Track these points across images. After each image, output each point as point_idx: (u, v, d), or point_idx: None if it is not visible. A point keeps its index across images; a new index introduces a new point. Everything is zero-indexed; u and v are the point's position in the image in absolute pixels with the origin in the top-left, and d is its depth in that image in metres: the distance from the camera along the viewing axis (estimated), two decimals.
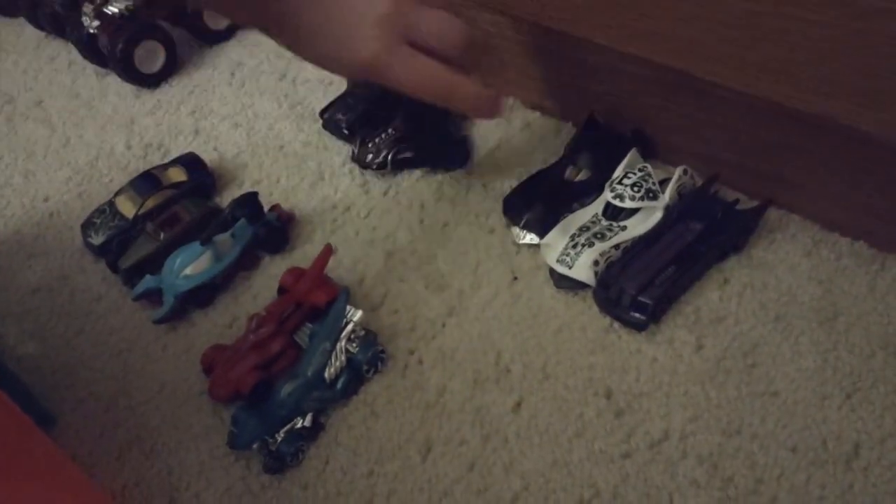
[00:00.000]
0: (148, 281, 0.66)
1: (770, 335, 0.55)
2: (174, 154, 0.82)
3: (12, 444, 0.46)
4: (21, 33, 1.11)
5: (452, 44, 0.52)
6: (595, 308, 0.60)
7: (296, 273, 0.64)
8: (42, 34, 1.09)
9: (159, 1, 0.92)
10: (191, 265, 0.65)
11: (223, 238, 0.66)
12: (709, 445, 0.51)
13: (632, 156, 0.65)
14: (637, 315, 0.57)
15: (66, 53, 1.04)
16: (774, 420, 0.51)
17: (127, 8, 0.90)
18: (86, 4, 0.91)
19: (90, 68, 1.00)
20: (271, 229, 0.68)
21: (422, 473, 0.53)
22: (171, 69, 0.94)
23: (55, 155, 0.88)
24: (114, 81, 0.97)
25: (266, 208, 0.71)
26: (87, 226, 0.74)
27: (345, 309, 0.59)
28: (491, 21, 0.72)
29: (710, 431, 0.52)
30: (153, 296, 0.66)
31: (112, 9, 0.90)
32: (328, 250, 0.64)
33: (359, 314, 0.59)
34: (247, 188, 0.77)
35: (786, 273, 0.58)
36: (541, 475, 0.52)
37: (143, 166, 0.81)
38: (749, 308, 0.57)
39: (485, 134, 0.76)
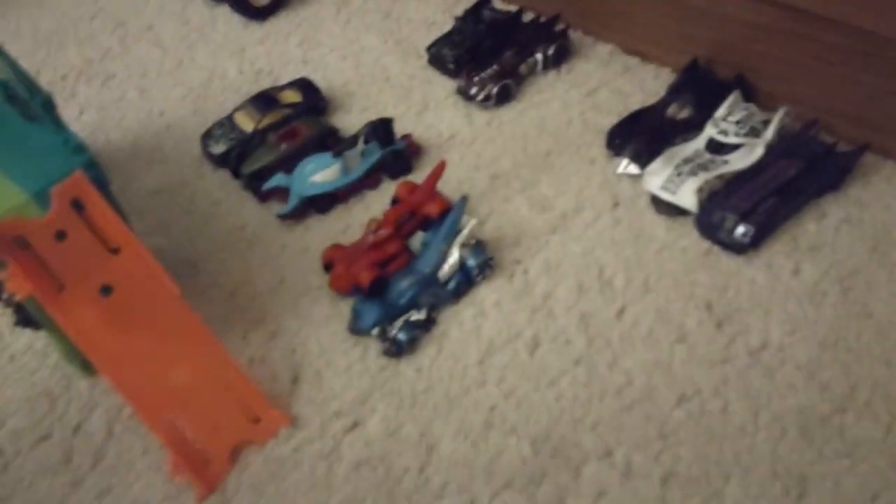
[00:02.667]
0: (279, 178, 0.70)
1: (866, 264, 0.58)
2: (284, 80, 0.86)
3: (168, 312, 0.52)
4: None
5: None
6: (695, 233, 0.64)
7: (409, 186, 0.68)
8: None
9: None
10: (320, 173, 0.69)
11: (353, 155, 0.70)
12: (806, 355, 0.55)
13: (735, 97, 0.69)
14: (739, 239, 0.60)
15: None
16: (869, 337, 0.54)
17: None
18: None
19: (198, 0, 1.05)
20: (398, 156, 0.72)
21: (529, 365, 0.58)
22: (278, 4, 0.98)
23: (168, 75, 0.93)
24: (222, 12, 1.01)
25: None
26: (208, 137, 0.79)
27: (462, 215, 0.63)
28: None
29: (807, 344, 0.55)
30: (280, 193, 0.70)
31: None
32: (442, 166, 0.68)
33: (473, 222, 0.63)
34: (356, 113, 0.82)
35: (881, 211, 0.62)
36: (643, 373, 0.56)
37: (255, 89, 0.86)
38: (845, 240, 0.60)
39: (585, 76, 0.80)
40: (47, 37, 1.02)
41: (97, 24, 1.04)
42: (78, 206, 0.51)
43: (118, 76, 0.94)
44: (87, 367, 0.60)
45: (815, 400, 0.53)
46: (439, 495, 0.52)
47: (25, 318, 0.57)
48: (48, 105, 0.51)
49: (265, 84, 0.88)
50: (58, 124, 0.52)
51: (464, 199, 0.63)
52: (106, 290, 0.51)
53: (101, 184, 0.53)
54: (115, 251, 0.52)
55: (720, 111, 0.68)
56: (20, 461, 0.58)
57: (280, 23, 0.98)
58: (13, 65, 0.51)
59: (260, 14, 0.98)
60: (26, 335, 0.65)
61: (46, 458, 0.58)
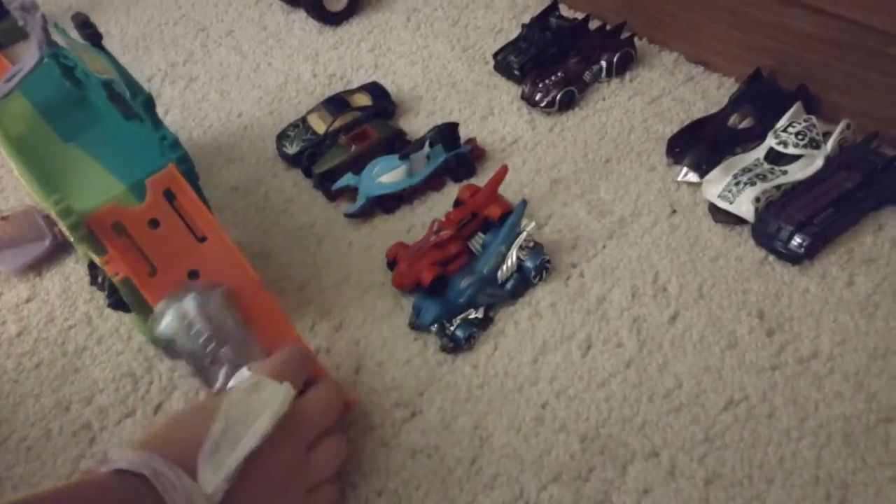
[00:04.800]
0: (348, 178, 0.74)
1: None
2: (356, 84, 0.90)
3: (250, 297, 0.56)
4: None
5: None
6: (751, 242, 0.65)
7: (472, 189, 0.71)
8: None
9: None
10: (387, 174, 0.73)
11: (419, 157, 0.74)
12: (855, 365, 0.55)
13: (796, 108, 0.69)
14: (794, 249, 0.61)
15: None
16: None
17: None
18: None
19: (276, 5, 1.10)
20: (462, 159, 0.75)
21: (581, 365, 0.60)
22: (352, 10, 1.02)
23: (247, 78, 0.98)
24: (298, 18, 1.06)
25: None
26: (282, 137, 0.83)
27: (521, 218, 0.65)
28: None
29: (857, 354, 0.56)
30: (348, 193, 0.74)
31: None
32: (504, 170, 0.70)
33: (532, 225, 0.66)
34: (423, 117, 0.85)
35: None
36: (693, 377, 0.57)
37: (328, 92, 0.90)
38: None
39: (648, 84, 0.81)
40: (135, 41, 1.09)
41: (180, 29, 1.10)
42: (170, 197, 0.56)
43: (200, 79, 1.00)
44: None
45: (862, 409, 0.53)
46: (490, 485, 0.54)
47: (117, 301, 0.62)
48: (149, 103, 0.56)
49: (337, 88, 0.92)
50: (156, 122, 0.57)
51: (524, 203, 0.66)
52: (193, 274, 0.56)
53: (192, 178, 0.58)
54: (202, 240, 0.56)
55: (781, 122, 0.68)
56: (106, 435, 0.62)
57: (353, 29, 1.02)
58: (118, 65, 0.56)
59: (334, 19, 1.02)
60: (112, 320, 0.71)
61: (130, 433, 0.62)
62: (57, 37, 0.66)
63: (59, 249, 0.78)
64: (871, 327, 0.57)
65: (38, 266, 0.77)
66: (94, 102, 0.69)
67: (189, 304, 0.52)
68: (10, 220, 0.77)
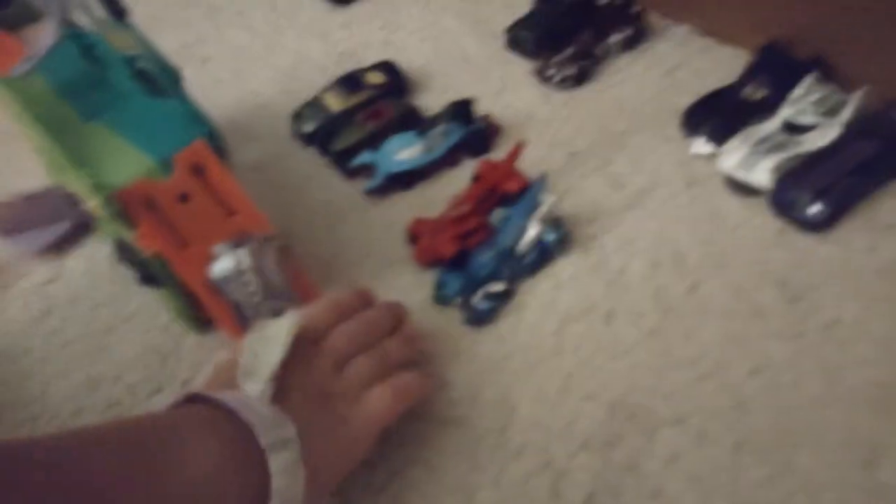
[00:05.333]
0: (366, 156, 0.75)
1: None
2: (368, 62, 0.90)
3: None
4: None
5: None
6: (769, 211, 0.65)
7: (490, 164, 0.72)
8: None
9: None
10: (404, 151, 0.73)
11: (435, 134, 0.74)
12: (881, 331, 0.56)
13: (812, 77, 0.69)
14: (813, 217, 0.62)
15: None
16: None
17: None
18: None
19: None
20: (477, 135, 0.75)
21: (605, 334, 0.60)
22: None
23: (259, 57, 0.98)
24: None
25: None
26: (298, 116, 0.84)
27: (541, 192, 0.66)
28: None
29: (882, 320, 0.57)
30: (365, 170, 0.75)
31: None
32: (521, 145, 0.71)
33: (552, 198, 0.66)
34: (436, 94, 0.85)
35: None
36: (717, 345, 0.58)
37: (340, 71, 0.90)
38: None
39: (662, 57, 0.82)
40: (146, 22, 1.07)
41: (192, 11, 1.10)
42: (199, 171, 0.56)
43: (214, 59, 1.00)
44: (198, 324, 0.66)
45: (887, 374, 0.54)
46: (519, 454, 0.55)
47: (147, 276, 0.62)
48: (176, 79, 0.57)
49: (349, 66, 0.92)
50: (183, 97, 0.58)
51: (543, 177, 0.66)
52: None
53: (222, 152, 0.58)
54: (232, 213, 0.57)
55: (797, 91, 0.69)
56: (136, 411, 0.63)
57: (362, 7, 1.02)
58: (144, 42, 0.56)
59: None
60: (137, 299, 0.72)
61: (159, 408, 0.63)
62: (80, 14, 0.66)
63: (81, 230, 0.79)
64: (893, 293, 0.58)
65: (59, 246, 0.78)
66: (113, 81, 0.69)
67: (243, 253, 0.54)
68: (32, 201, 0.78)
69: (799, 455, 0.52)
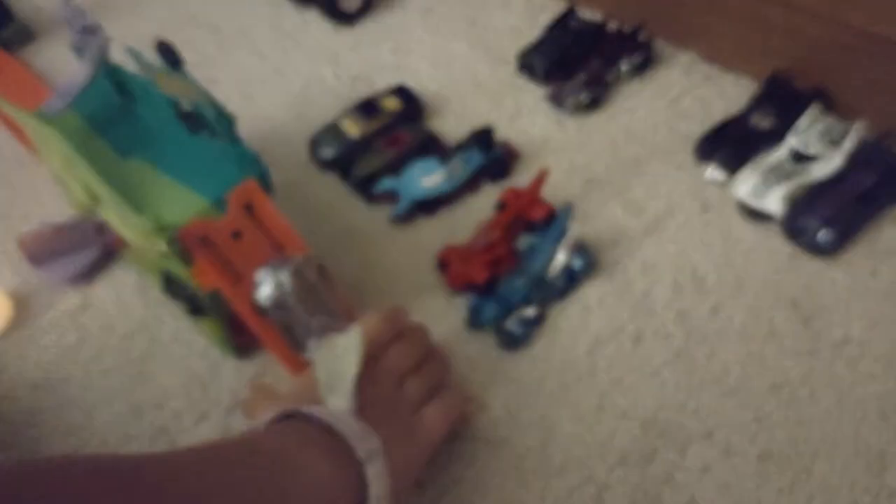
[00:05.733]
0: (387, 182, 0.78)
1: None
2: (380, 86, 0.93)
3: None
4: None
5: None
6: (779, 237, 0.70)
7: (514, 192, 0.75)
8: None
9: None
10: (428, 177, 0.76)
11: (456, 160, 0.77)
12: (884, 349, 0.61)
13: (814, 109, 0.74)
14: (822, 243, 0.67)
15: None
16: None
17: None
18: None
19: (287, 4, 1.11)
20: (497, 161, 0.79)
21: (634, 356, 0.65)
22: (365, 9, 1.05)
23: (269, 80, 1.00)
24: (312, 18, 1.08)
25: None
26: (316, 142, 0.86)
27: (568, 220, 0.70)
28: None
29: (885, 337, 0.62)
30: (387, 196, 0.78)
31: None
32: (545, 173, 0.74)
33: (577, 225, 0.70)
34: (451, 118, 0.88)
35: None
36: (738, 364, 0.63)
37: (352, 95, 0.93)
38: None
39: (668, 84, 0.86)
40: (147, 42, 1.09)
41: (193, 30, 1.11)
42: (249, 208, 0.59)
43: (221, 82, 1.01)
44: (237, 351, 0.68)
45: (893, 387, 0.59)
46: (561, 470, 0.59)
47: (195, 307, 0.65)
48: (230, 122, 0.60)
49: (362, 89, 0.95)
50: (236, 139, 0.60)
51: (569, 206, 0.70)
52: None
53: (268, 189, 0.61)
54: (280, 247, 0.60)
55: (802, 123, 0.74)
56: (185, 437, 0.66)
57: (369, 29, 1.04)
58: (198, 88, 0.59)
59: (349, 19, 1.05)
60: (170, 326, 0.74)
61: (207, 434, 0.66)
62: (131, 60, 0.68)
63: (106, 257, 0.80)
64: (895, 313, 0.63)
65: (87, 274, 0.79)
66: (152, 118, 0.71)
67: (284, 275, 0.57)
68: (60, 230, 0.79)
69: (816, 463, 0.57)
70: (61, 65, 1.08)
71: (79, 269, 0.79)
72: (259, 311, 0.60)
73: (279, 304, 0.59)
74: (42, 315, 0.77)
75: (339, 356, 0.53)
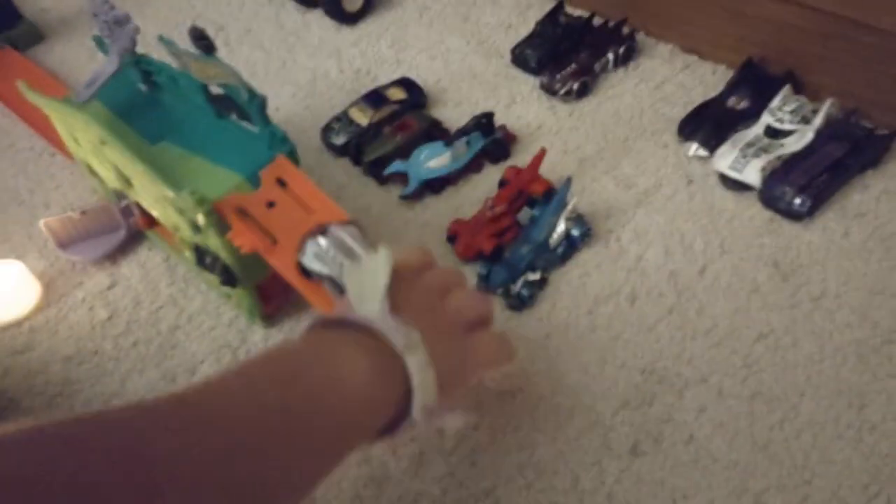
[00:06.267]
0: (397, 165, 0.83)
1: None
2: (382, 79, 0.99)
3: None
4: None
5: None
6: (759, 205, 0.77)
7: (515, 170, 0.81)
8: None
9: None
10: (434, 160, 0.82)
11: (460, 143, 0.83)
12: (858, 300, 0.68)
13: (786, 90, 0.82)
14: (798, 208, 0.74)
15: None
16: None
17: None
18: None
19: (290, 4, 1.17)
20: (498, 144, 0.85)
21: (631, 313, 0.71)
22: (367, 9, 1.11)
23: (275, 75, 1.05)
24: (314, 17, 1.14)
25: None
26: (327, 130, 0.92)
27: (568, 193, 0.76)
28: None
29: (858, 291, 0.69)
30: (397, 177, 0.84)
31: None
32: (543, 152, 0.81)
33: (575, 199, 0.76)
34: (452, 107, 0.94)
35: None
36: (726, 318, 0.69)
37: (357, 87, 0.99)
38: (885, 207, 0.74)
39: (651, 72, 0.93)
40: (154, 41, 1.14)
41: None
42: (282, 183, 0.64)
43: None
44: (265, 320, 0.73)
45: (868, 334, 0.66)
46: (570, 415, 0.65)
47: (228, 277, 0.70)
48: (262, 104, 0.65)
49: (365, 82, 1.00)
50: (267, 120, 0.66)
51: (569, 180, 0.76)
52: None
53: (298, 165, 0.67)
54: (312, 212, 0.65)
55: (775, 102, 0.81)
56: None
57: (369, 27, 1.10)
58: (232, 71, 0.64)
59: (351, 18, 1.10)
60: (197, 300, 0.78)
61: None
62: (164, 48, 0.72)
63: (132, 240, 0.85)
64: (868, 269, 0.70)
65: (113, 256, 0.84)
66: (175, 105, 0.76)
67: (323, 239, 0.61)
68: (89, 214, 0.84)
69: (802, 402, 0.63)
70: (72, 64, 1.13)
71: (105, 251, 0.84)
72: (305, 273, 0.64)
73: (322, 259, 0.62)
74: (71, 294, 0.82)
75: (369, 270, 0.50)
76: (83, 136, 0.76)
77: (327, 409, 0.43)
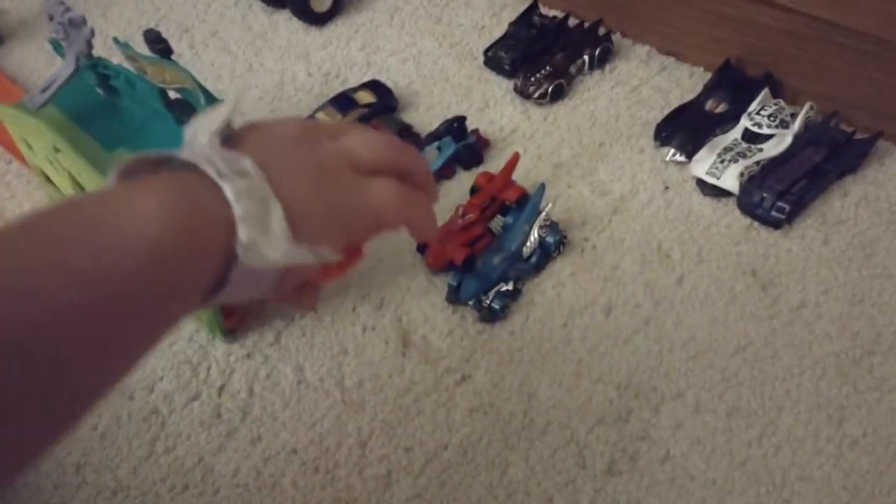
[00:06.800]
0: None
1: (884, 234, 0.70)
2: (352, 82, 0.96)
3: None
4: None
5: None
6: (736, 212, 0.75)
7: (487, 175, 0.79)
8: None
9: None
10: None
11: (431, 149, 0.81)
12: (838, 310, 0.66)
13: (765, 93, 0.80)
14: (776, 215, 0.72)
15: None
16: (890, 294, 0.66)
17: None
18: None
19: (257, 6, 1.14)
20: (470, 149, 0.82)
21: (606, 325, 0.69)
22: (336, 10, 1.08)
23: (241, 78, 1.02)
24: (282, 18, 1.10)
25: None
26: None
27: (541, 200, 0.73)
28: None
29: (838, 301, 0.67)
30: None
31: None
32: (516, 157, 0.78)
33: (549, 205, 0.74)
34: (423, 111, 0.92)
35: (894, 189, 0.73)
36: (703, 329, 0.67)
37: (325, 91, 0.96)
38: (865, 214, 0.72)
39: (627, 75, 0.91)
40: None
41: (163, 31, 1.12)
42: None
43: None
44: (227, 334, 0.71)
45: (848, 346, 0.64)
46: (543, 432, 0.62)
47: None
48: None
49: (334, 85, 0.97)
50: None
51: (542, 187, 0.74)
52: None
53: None
54: None
55: (753, 106, 0.79)
56: (176, 418, 0.67)
57: (339, 28, 1.07)
58: (189, 75, 0.61)
59: (319, 20, 1.07)
60: None
61: (199, 414, 0.68)
62: (119, 50, 0.69)
63: None
64: (848, 278, 0.68)
65: None
66: (133, 110, 0.73)
67: None
68: None
69: (781, 416, 0.61)
70: (30, 67, 1.09)
71: None
72: None
73: None
74: None
75: (212, 110, 0.38)
76: (37, 142, 0.72)
77: (96, 270, 0.31)
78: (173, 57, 0.72)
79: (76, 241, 0.31)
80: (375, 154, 0.40)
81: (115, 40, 0.69)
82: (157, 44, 0.63)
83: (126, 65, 0.72)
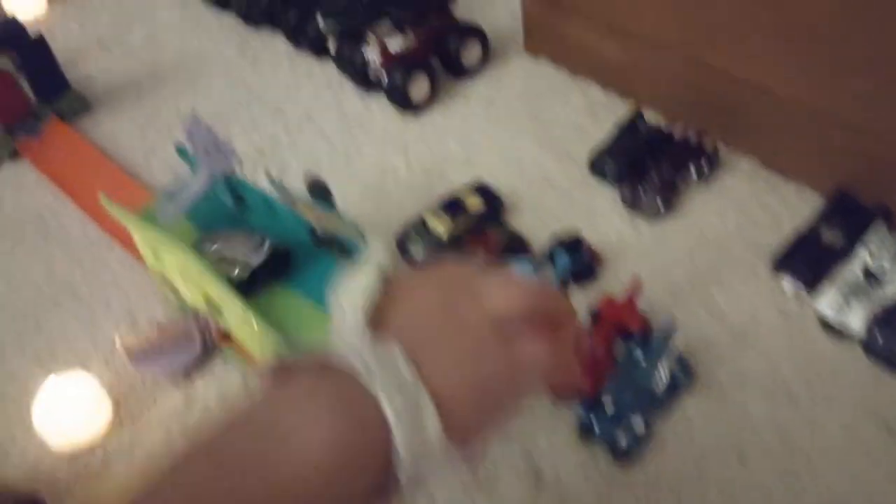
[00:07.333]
0: None
1: None
2: (453, 179, 0.96)
3: None
4: (268, 45, 1.26)
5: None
6: (862, 353, 0.75)
7: (609, 301, 0.79)
8: (290, 48, 1.24)
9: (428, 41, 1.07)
10: None
11: (546, 265, 0.81)
12: None
13: (879, 225, 0.81)
14: None
15: (319, 71, 1.19)
16: None
17: (406, 48, 1.05)
18: (370, 37, 1.05)
19: (348, 87, 1.14)
20: (584, 266, 0.83)
21: (742, 473, 0.69)
22: (432, 99, 1.09)
23: (341, 168, 1.02)
24: (375, 103, 1.11)
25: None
26: (405, 239, 0.89)
27: (672, 333, 0.74)
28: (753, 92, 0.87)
29: None
30: None
31: (394, 47, 1.05)
32: (639, 285, 0.79)
33: (677, 338, 0.74)
34: (528, 216, 0.92)
35: None
36: (843, 486, 0.68)
37: (426, 187, 0.96)
38: None
39: (733, 190, 0.92)
40: (210, 119, 1.11)
41: (256, 111, 1.14)
42: None
43: (293, 166, 1.04)
44: None
45: None
46: None
47: None
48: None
49: (436, 183, 0.98)
50: None
51: (671, 321, 0.74)
52: None
53: None
54: None
55: (872, 241, 0.79)
56: None
57: (434, 118, 1.08)
58: (345, 219, 0.62)
59: (415, 108, 1.08)
60: None
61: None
62: (272, 187, 0.70)
63: (206, 353, 0.82)
64: None
65: (188, 372, 0.81)
66: (264, 228, 0.74)
67: None
68: (166, 328, 0.81)
69: None
70: (118, 137, 1.10)
71: (180, 367, 0.81)
72: None
73: None
74: (146, 412, 0.79)
75: (352, 283, 0.38)
76: (171, 259, 0.73)
77: (270, 499, 0.33)
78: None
79: (252, 467, 0.33)
80: (519, 309, 0.39)
81: (268, 175, 0.70)
82: (320, 192, 0.64)
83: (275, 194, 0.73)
